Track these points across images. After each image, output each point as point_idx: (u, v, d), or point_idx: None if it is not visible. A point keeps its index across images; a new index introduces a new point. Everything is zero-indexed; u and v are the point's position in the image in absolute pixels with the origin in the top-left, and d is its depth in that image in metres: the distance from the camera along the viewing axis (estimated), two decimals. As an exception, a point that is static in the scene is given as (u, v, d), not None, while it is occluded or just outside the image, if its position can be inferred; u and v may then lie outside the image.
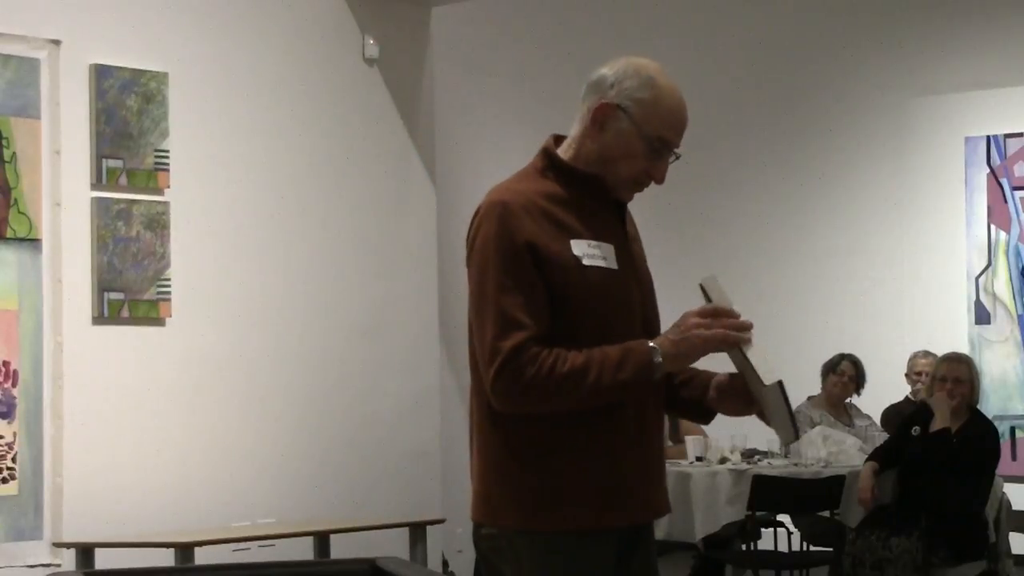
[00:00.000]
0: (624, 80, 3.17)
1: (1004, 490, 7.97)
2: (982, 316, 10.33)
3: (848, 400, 9.25)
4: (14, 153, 6.79)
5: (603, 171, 3.19)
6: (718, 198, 11.41)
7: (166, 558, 6.30)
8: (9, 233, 6.76)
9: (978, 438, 7.70)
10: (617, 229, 3.23)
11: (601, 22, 10.99)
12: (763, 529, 8.22)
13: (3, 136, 6.75)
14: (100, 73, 7.05)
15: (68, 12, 7.02)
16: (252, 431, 7.57)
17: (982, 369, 9.29)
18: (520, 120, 9.99)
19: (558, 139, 3.27)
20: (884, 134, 10.82)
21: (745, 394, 3.20)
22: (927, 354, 9.50)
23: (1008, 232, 10.30)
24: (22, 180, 6.81)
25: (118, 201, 7.08)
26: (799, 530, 8.10)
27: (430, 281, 8.46)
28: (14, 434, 6.74)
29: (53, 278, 6.88)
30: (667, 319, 3.19)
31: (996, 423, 8.34)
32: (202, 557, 6.23)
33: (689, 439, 8.43)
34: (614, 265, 3.16)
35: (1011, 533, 8.02)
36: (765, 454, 8.39)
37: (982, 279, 10.37)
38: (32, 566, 6.74)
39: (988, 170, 10.38)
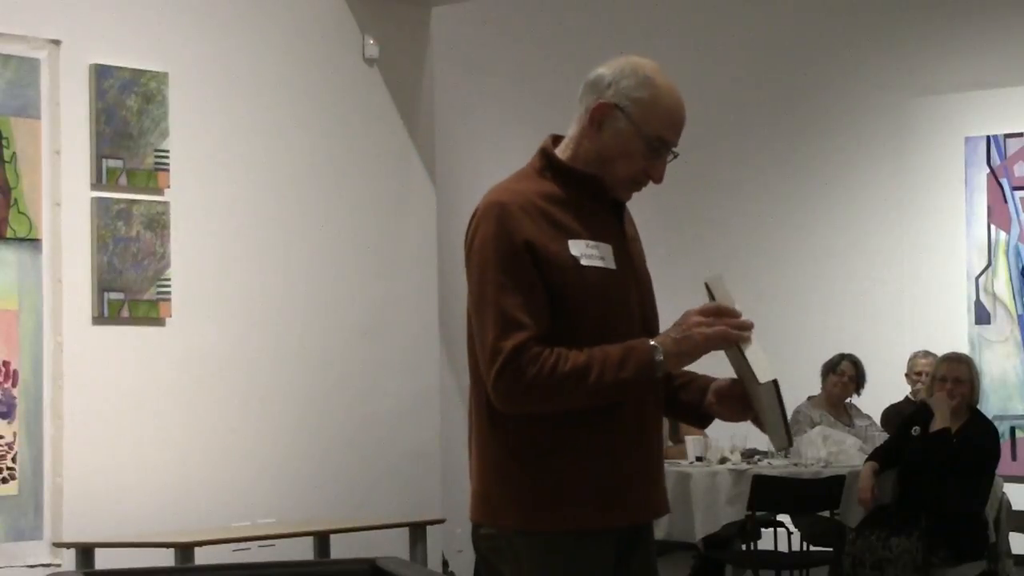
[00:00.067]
0: (622, 80, 3.17)
1: (1004, 490, 7.97)
2: (982, 316, 10.34)
3: (848, 400, 9.25)
4: (14, 153, 6.79)
5: (601, 171, 3.19)
6: (718, 198, 11.41)
7: (166, 558, 6.30)
8: (9, 233, 6.76)
9: (978, 438, 7.70)
10: (615, 229, 3.23)
11: (601, 22, 10.99)
12: (763, 529, 8.22)
13: (3, 136, 6.75)
14: (100, 73, 7.05)
15: (68, 12, 7.02)
16: (252, 431, 7.57)
17: (982, 369, 9.29)
18: (520, 120, 9.99)
19: (556, 139, 3.27)
20: (884, 134, 10.82)
21: (743, 400, 3.20)
22: (927, 354, 9.50)
23: (1008, 232, 10.30)
24: (22, 180, 6.81)
25: (118, 201, 7.08)
26: (799, 530, 8.10)
27: (430, 281, 8.46)
28: (14, 434, 6.74)
29: (53, 278, 6.88)
30: (667, 319, 3.19)
31: (996, 423, 8.34)
32: (202, 557, 6.24)
33: (689, 439, 8.43)
34: (612, 265, 3.16)
35: (1011, 533, 8.02)
36: (765, 454, 8.39)
37: (982, 279, 10.37)
38: (32, 566, 6.74)
39: (988, 170, 10.38)
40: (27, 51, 6.86)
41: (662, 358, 3.08)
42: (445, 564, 8.64)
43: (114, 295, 7.03)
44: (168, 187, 7.26)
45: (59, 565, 6.71)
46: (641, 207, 3.57)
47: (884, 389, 9.57)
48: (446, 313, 8.47)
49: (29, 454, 6.78)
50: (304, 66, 7.97)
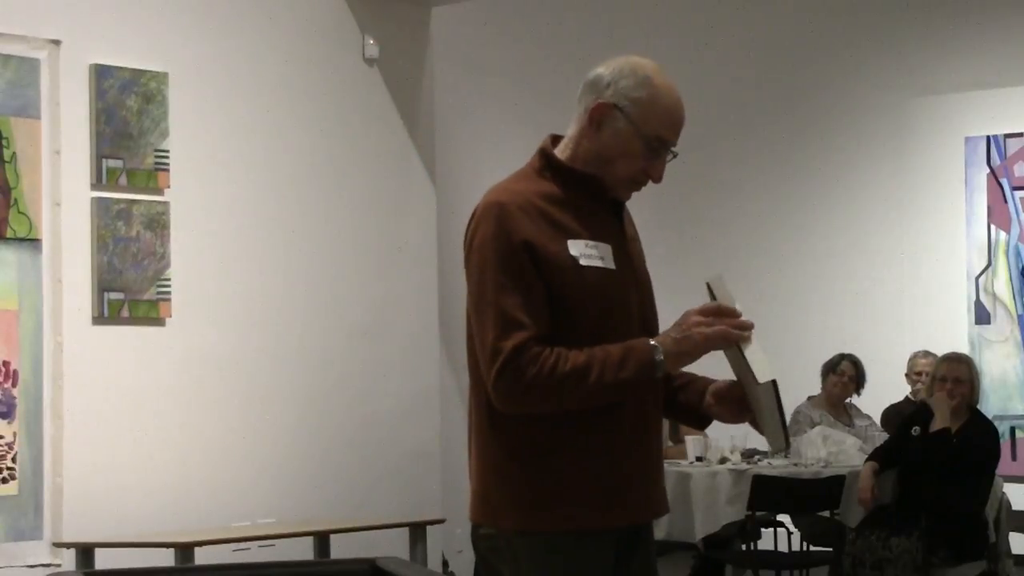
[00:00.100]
0: (621, 79, 3.17)
1: (1004, 490, 7.97)
2: (982, 316, 10.34)
3: (848, 400, 9.25)
4: (14, 153, 6.79)
5: (601, 171, 3.19)
6: (718, 198, 11.41)
7: (166, 558, 6.30)
8: (9, 233, 6.76)
9: (978, 438, 7.70)
10: (615, 229, 3.23)
11: (601, 22, 10.99)
12: (763, 529, 8.22)
13: (3, 136, 6.75)
14: (100, 73, 7.05)
15: (68, 12, 7.02)
16: (252, 431, 7.57)
17: (982, 369, 9.29)
18: (520, 120, 9.99)
19: (556, 139, 3.27)
20: (884, 134, 10.82)
21: (741, 401, 3.20)
22: (927, 354, 9.50)
23: (1008, 232, 10.30)
24: (22, 180, 6.81)
25: (118, 201, 7.08)
26: (799, 530, 8.10)
27: (430, 281, 8.46)
28: (14, 434, 6.74)
29: (53, 278, 6.88)
30: (667, 319, 3.19)
31: (996, 423, 8.34)
32: (202, 557, 6.24)
33: (689, 439, 8.43)
34: (612, 265, 3.16)
35: (1011, 533, 8.01)
36: (765, 454, 8.39)
37: (982, 279, 10.37)
38: (32, 566, 6.74)
39: (988, 170, 10.38)
40: (27, 51, 6.86)
41: (662, 358, 3.08)
42: (445, 564, 8.64)
43: (114, 295, 7.04)
44: (168, 187, 7.26)
45: (59, 565, 6.71)
46: (641, 207, 3.57)
47: (884, 389, 9.57)
48: (446, 313, 8.47)
49: (29, 454, 6.78)
50: (304, 66, 7.97)
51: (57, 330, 6.88)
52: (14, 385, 6.76)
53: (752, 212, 11.31)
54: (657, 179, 3.22)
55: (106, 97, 7.06)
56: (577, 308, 3.10)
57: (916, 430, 7.77)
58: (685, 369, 3.22)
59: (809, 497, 7.84)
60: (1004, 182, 10.32)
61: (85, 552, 6.50)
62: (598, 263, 3.14)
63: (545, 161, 3.22)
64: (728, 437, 8.23)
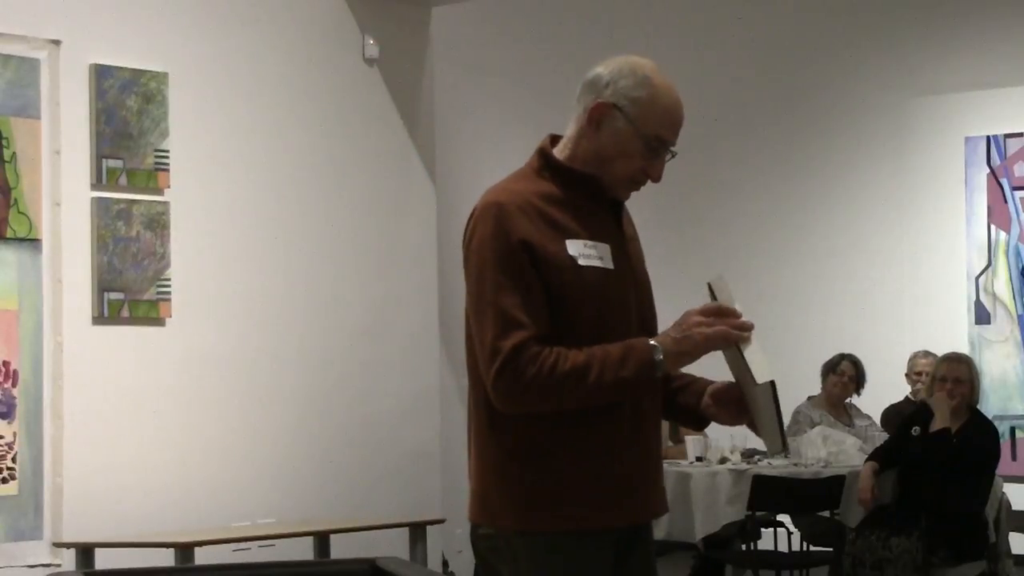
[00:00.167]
0: (620, 79, 3.17)
1: (1004, 490, 7.97)
2: (982, 316, 10.34)
3: (848, 400, 9.25)
4: (14, 153, 6.79)
5: (600, 170, 3.19)
6: (718, 198, 11.41)
7: (166, 558, 6.30)
8: (9, 233, 6.76)
9: (978, 438, 7.70)
10: (614, 229, 3.23)
11: (601, 22, 10.99)
12: (763, 529, 8.22)
13: (3, 136, 6.75)
14: (100, 73, 7.05)
15: (68, 12, 7.02)
16: (252, 431, 7.57)
17: (982, 369, 9.29)
18: (520, 120, 9.99)
19: (555, 139, 3.27)
20: (884, 134, 10.82)
21: (740, 403, 3.20)
22: (927, 354, 9.50)
23: (1008, 232, 10.30)
24: (22, 180, 6.81)
25: (118, 201, 7.08)
26: (799, 530, 8.10)
27: (430, 281, 8.47)
28: (14, 434, 6.74)
29: (53, 278, 6.88)
30: (667, 319, 3.19)
31: (996, 423, 8.34)
32: (202, 557, 6.24)
33: (689, 439, 8.43)
34: (610, 265, 3.16)
35: (1011, 533, 8.01)
36: (765, 454, 8.39)
37: (982, 279, 10.37)
38: (32, 566, 6.74)
39: (988, 170, 10.38)
40: (27, 51, 6.86)
41: (662, 357, 3.08)
42: (445, 564, 8.64)
43: (114, 295, 7.04)
44: (168, 187, 7.26)
45: (59, 565, 6.71)
46: (640, 207, 3.57)
47: (884, 389, 9.57)
48: (446, 313, 8.47)
49: (29, 454, 6.78)
50: (304, 66, 7.97)
51: (57, 330, 6.88)
52: (14, 385, 6.76)
53: (752, 212, 11.31)
54: (656, 179, 3.22)
55: (106, 97, 7.06)
56: (576, 308, 3.10)
57: (916, 430, 7.77)
58: (684, 370, 3.22)
59: (809, 497, 7.84)
60: (1004, 182, 10.32)
61: (85, 552, 6.50)
62: (597, 263, 3.13)
63: (544, 161, 3.22)
64: (728, 437, 8.23)
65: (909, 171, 10.73)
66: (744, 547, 8.13)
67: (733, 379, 3.23)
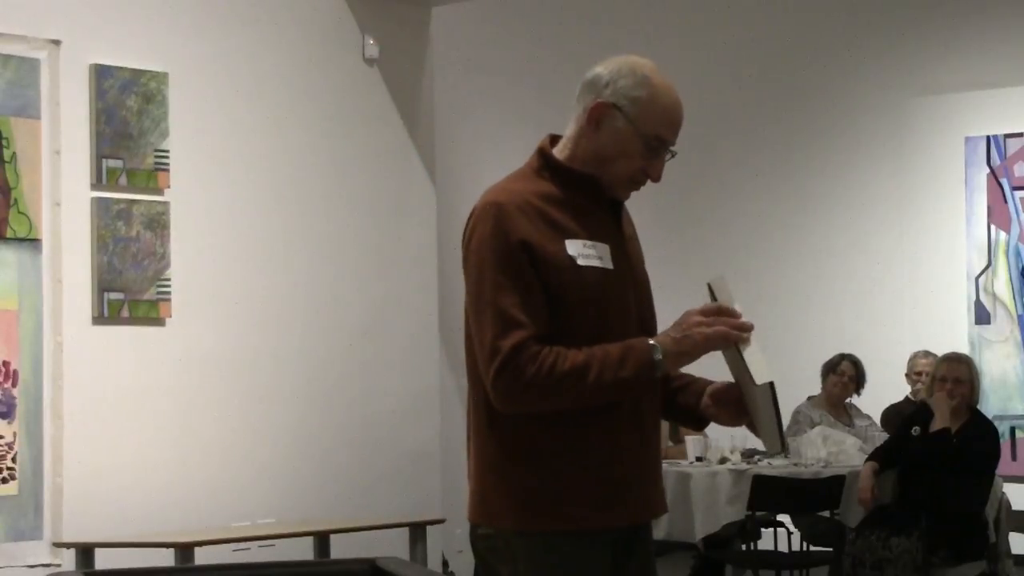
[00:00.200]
0: (619, 79, 3.17)
1: (1004, 490, 7.97)
2: (982, 316, 10.33)
3: (848, 400, 9.24)
4: (14, 153, 6.79)
5: (600, 170, 3.19)
6: (718, 198, 11.41)
7: (166, 558, 6.30)
8: (9, 233, 6.76)
9: (978, 438, 7.70)
10: (613, 229, 3.22)
11: (601, 22, 11.00)
12: (763, 529, 8.22)
13: (3, 136, 6.76)
14: (100, 73, 7.05)
15: (68, 12, 7.02)
16: (252, 431, 7.57)
17: (982, 369, 9.29)
18: (520, 120, 9.99)
19: (554, 139, 3.27)
20: (884, 134, 10.82)
21: (739, 404, 3.20)
22: (927, 354, 9.50)
23: (1008, 232, 10.30)
24: (22, 180, 6.81)
25: (118, 201, 7.08)
26: (799, 530, 8.10)
27: (430, 281, 8.47)
28: (14, 434, 6.74)
29: (53, 278, 6.88)
30: (667, 319, 3.19)
31: (996, 423, 8.34)
32: (202, 557, 6.24)
33: (689, 439, 8.43)
34: (609, 265, 3.16)
35: (1011, 533, 8.01)
36: (765, 454, 8.39)
37: (982, 279, 10.37)
38: (32, 566, 6.74)
39: (988, 170, 10.38)
40: (27, 51, 6.86)
41: (661, 357, 3.08)
42: (445, 564, 8.64)
43: (114, 295, 7.04)
44: (168, 187, 7.27)
45: (59, 565, 6.71)
46: (640, 207, 3.57)
47: (884, 389, 9.57)
48: (446, 313, 8.47)
49: (29, 454, 6.79)
50: (304, 66, 7.97)
51: (57, 330, 6.88)
52: (14, 385, 6.76)
53: (752, 212, 11.31)
54: (656, 178, 3.22)
55: (106, 97, 7.06)
56: (575, 308, 3.10)
57: (916, 430, 7.77)
58: (684, 370, 3.22)
59: (809, 497, 7.84)
60: (1004, 182, 10.32)
61: (85, 552, 6.50)
62: (596, 263, 3.13)
63: (543, 161, 3.22)
64: (728, 437, 8.23)
65: (909, 171, 10.73)
66: (744, 547, 8.13)
67: (733, 379, 3.23)
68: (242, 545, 6.81)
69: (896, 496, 7.76)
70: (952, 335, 10.09)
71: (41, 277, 6.85)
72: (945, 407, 7.67)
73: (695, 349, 3.11)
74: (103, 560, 6.41)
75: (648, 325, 3.25)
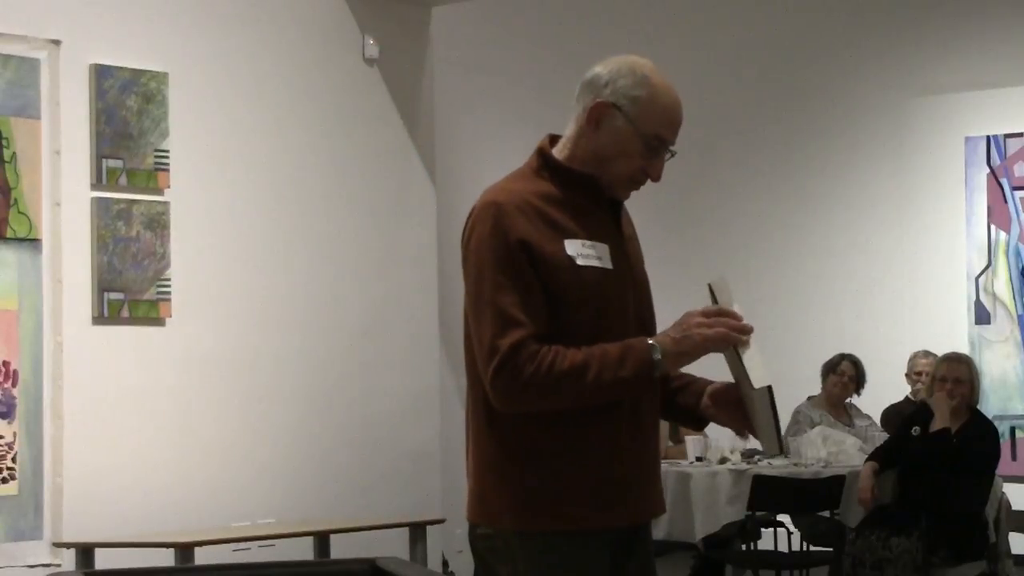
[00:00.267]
0: (619, 79, 3.17)
1: (1004, 490, 7.97)
2: (982, 316, 10.34)
3: (848, 400, 9.25)
4: (14, 153, 6.79)
5: (599, 170, 3.19)
6: (718, 198, 11.41)
7: (166, 558, 6.30)
8: (9, 233, 6.76)
9: (978, 438, 7.70)
10: (612, 229, 3.22)
11: (601, 22, 11.00)
12: (763, 529, 8.22)
13: (3, 136, 6.75)
14: (100, 73, 7.05)
15: (68, 12, 7.02)
16: (252, 431, 7.57)
17: (982, 369, 9.29)
18: (520, 120, 9.99)
19: (554, 139, 3.27)
20: (884, 134, 10.82)
21: (739, 404, 3.20)
22: (927, 354, 9.50)
23: (1008, 232, 10.30)
24: (22, 180, 6.81)
25: (118, 201, 7.08)
26: (799, 530, 8.10)
27: (430, 281, 8.47)
28: (14, 434, 6.74)
29: (53, 278, 6.88)
30: (668, 319, 3.19)
31: (996, 423, 8.34)
32: (202, 557, 6.24)
33: (689, 439, 8.43)
34: (609, 265, 3.16)
35: (1011, 533, 8.01)
36: (765, 454, 8.39)
37: (982, 279, 10.37)
38: (32, 566, 6.74)
39: (988, 170, 10.38)
40: (27, 51, 6.86)
41: (660, 357, 3.08)
42: (445, 564, 8.64)
43: (114, 295, 7.04)
44: (168, 187, 7.27)
45: (59, 565, 6.71)
46: (640, 207, 3.57)
47: (884, 389, 9.57)
48: (446, 313, 8.47)
49: (29, 454, 6.79)
50: (304, 66, 7.97)
51: (57, 330, 6.88)
52: (14, 385, 6.76)
53: (752, 212, 11.31)
54: (656, 178, 3.22)
55: (106, 97, 7.06)
56: (574, 308, 3.10)
57: (916, 430, 7.77)
58: (684, 370, 3.22)
59: (809, 497, 7.84)
60: (1004, 182, 10.33)
61: (85, 552, 6.50)
62: (595, 263, 3.13)
63: (542, 161, 3.22)
64: (728, 437, 8.22)
65: (909, 171, 10.73)
66: (744, 547, 8.13)
67: (733, 379, 3.23)
68: (242, 545, 6.81)
69: (896, 496, 7.76)
70: (952, 335, 10.09)
71: (41, 277, 6.85)
72: (945, 407, 7.68)
73: (695, 350, 3.11)
74: (103, 560, 6.41)
75: (647, 325, 3.25)
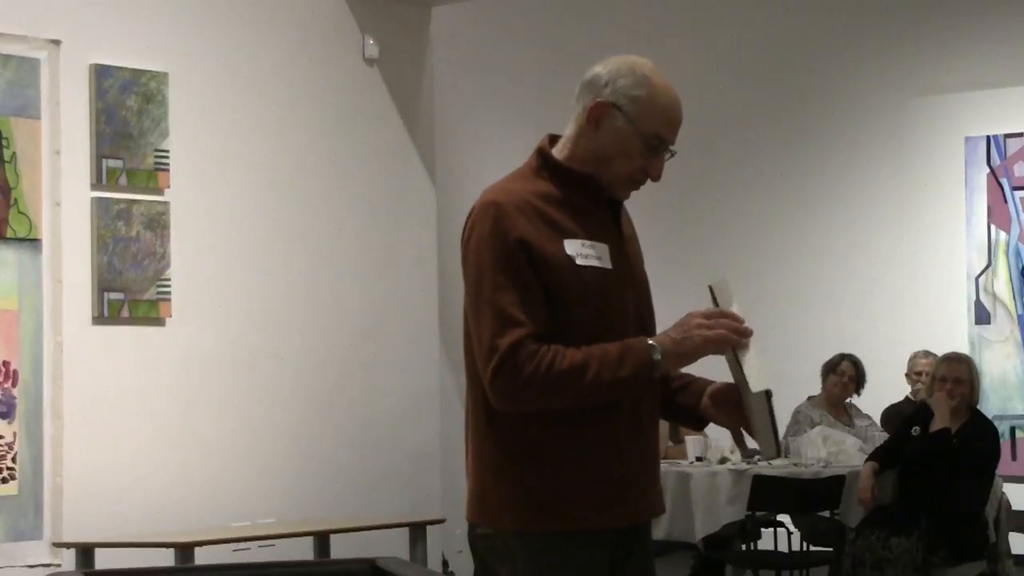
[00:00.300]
0: (619, 78, 3.17)
1: (1004, 490, 7.97)
2: (982, 316, 10.34)
3: (848, 400, 9.25)
4: (14, 153, 6.79)
5: (599, 170, 3.19)
6: (718, 198, 11.41)
7: (166, 558, 6.30)
8: (9, 233, 6.76)
9: (978, 438, 7.70)
10: (612, 229, 3.22)
11: (601, 22, 11.00)
12: (763, 529, 8.22)
13: (3, 136, 6.75)
14: (100, 73, 7.05)
15: (68, 12, 7.02)
16: (252, 431, 7.57)
17: (982, 369, 9.29)
18: (520, 120, 9.99)
19: (553, 139, 3.27)
20: (884, 134, 10.83)
21: (738, 405, 3.20)
22: (927, 354, 9.50)
23: (1008, 232, 10.30)
24: (22, 180, 6.81)
25: (118, 201, 7.08)
26: (799, 530, 8.10)
27: (430, 281, 8.46)
28: (14, 434, 6.74)
29: (53, 278, 6.88)
30: (668, 319, 3.19)
31: (996, 423, 8.34)
32: (202, 557, 6.24)
33: (689, 439, 8.43)
34: (608, 265, 3.16)
35: (1011, 533, 8.01)
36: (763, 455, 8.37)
37: (982, 279, 10.37)
38: (32, 566, 6.74)
39: (988, 170, 10.38)
40: (27, 51, 6.86)
41: (660, 357, 3.08)
42: (445, 564, 8.64)
43: (114, 295, 7.04)
44: (168, 187, 7.26)
45: (59, 565, 6.71)
46: (640, 207, 3.57)
47: (884, 389, 9.57)
48: (446, 313, 8.46)
49: (29, 454, 6.78)
50: (304, 66, 7.97)
51: (57, 330, 6.88)
52: (14, 385, 6.76)
53: (752, 212, 11.32)
54: (656, 178, 3.22)
55: (106, 97, 7.06)
56: (573, 307, 3.10)
57: (916, 430, 7.77)
58: (684, 370, 3.22)
59: (809, 497, 7.84)
60: (1004, 182, 10.33)
61: (85, 552, 6.50)
62: (595, 263, 3.13)
63: (542, 161, 3.22)
64: (728, 437, 8.19)
65: (909, 171, 10.73)
66: (744, 547, 8.13)
67: (733, 380, 3.23)
68: (242, 545, 6.81)
69: (896, 496, 7.76)
70: (952, 335, 10.09)
71: (41, 277, 6.85)
72: (945, 407, 7.68)
73: (694, 351, 3.11)
74: (103, 560, 6.41)
75: (647, 325, 3.25)
